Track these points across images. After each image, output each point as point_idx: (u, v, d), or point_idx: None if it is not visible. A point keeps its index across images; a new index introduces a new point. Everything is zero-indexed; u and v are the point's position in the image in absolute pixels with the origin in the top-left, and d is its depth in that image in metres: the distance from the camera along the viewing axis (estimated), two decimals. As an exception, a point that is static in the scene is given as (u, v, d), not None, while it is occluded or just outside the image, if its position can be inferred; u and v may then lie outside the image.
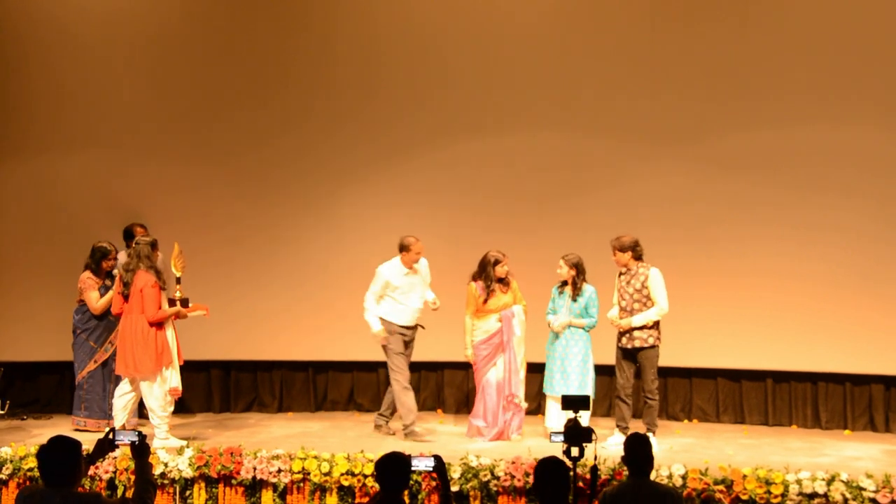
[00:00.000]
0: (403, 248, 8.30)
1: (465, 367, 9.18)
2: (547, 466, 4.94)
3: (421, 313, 8.40)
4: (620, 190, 9.02)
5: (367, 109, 9.41)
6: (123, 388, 7.88)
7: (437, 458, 5.13)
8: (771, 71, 8.76)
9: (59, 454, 4.59)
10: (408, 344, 8.40)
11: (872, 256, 8.57)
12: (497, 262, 8.14)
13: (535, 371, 8.62)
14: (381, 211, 9.37)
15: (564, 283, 8.10)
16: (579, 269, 7.99)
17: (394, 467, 4.93)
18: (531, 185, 9.18)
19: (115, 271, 8.46)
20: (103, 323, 8.54)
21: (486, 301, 8.15)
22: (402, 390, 8.21)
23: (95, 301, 8.47)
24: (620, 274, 7.98)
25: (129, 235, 8.82)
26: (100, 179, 9.44)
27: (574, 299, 8.01)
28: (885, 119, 8.58)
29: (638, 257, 7.90)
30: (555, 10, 9.23)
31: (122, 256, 8.69)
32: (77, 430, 8.49)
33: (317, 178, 9.45)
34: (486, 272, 8.15)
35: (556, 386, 7.97)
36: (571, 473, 5.05)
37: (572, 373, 7.95)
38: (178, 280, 7.94)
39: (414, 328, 8.39)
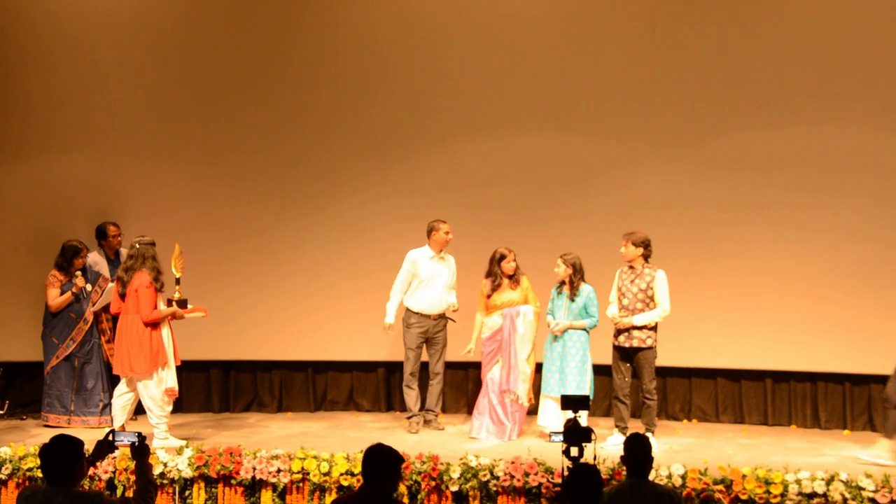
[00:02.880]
0: (431, 230, 8.42)
1: (465, 368, 9.20)
2: (581, 474, 4.90)
3: (448, 305, 8.47)
4: (621, 191, 9.02)
5: (366, 110, 9.41)
6: (121, 388, 7.89)
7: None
8: (772, 73, 8.76)
9: (62, 453, 4.61)
10: (431, 337, 8.46)
11: (872, 257, 8.58)
12: (502, 258, 8.16)
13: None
14: (381, 211, 9.37)
15: (563, 284, 8.10)
16: (576, 268, 8.00)
17: (378, 460, 4.69)
18: (531, 187, 9.18)
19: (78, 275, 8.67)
20: (64, 319, 8.66)
21: (489, 296, 8.18)
22: (403, 386, 8.50)
23: (53, 298, 8.64)
24: (622, 272, 7.99)
25: (101, 234, 8.93)
26: (99, 179, 9.43)
27: (572, 299, 8.02)
28: (885, 120, 8.57)
29: (646, 257, 7.91)
30: (555, 12, 9.22)
31: (94, 256, 8.85)
32: (44, 426, 8.55)
33: (316, 178, 9.45)
34: (491, 268, 8.19)
35: (554, 386, 7.98)
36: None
37: (570, 374, 7.95)
38: (178, 281, 7.94)
39: (438, 319, 8.43)
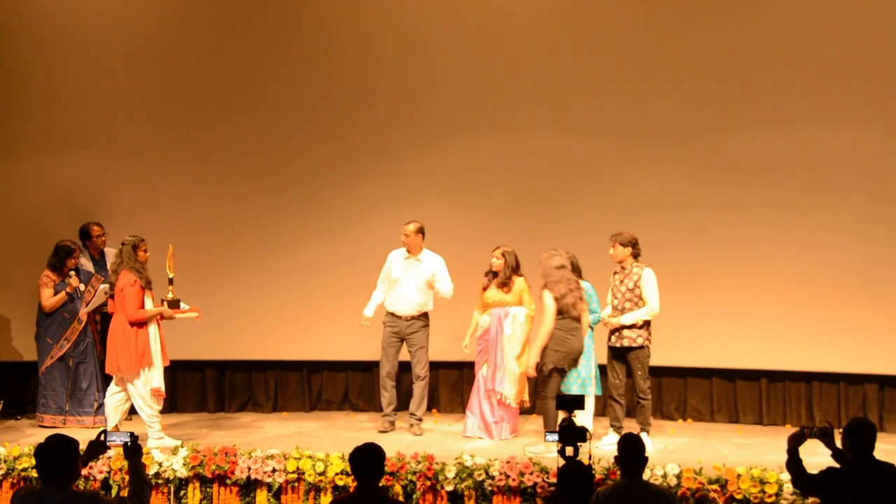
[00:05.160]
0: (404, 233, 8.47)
1: (460, 367, 9.20)
2: (572, 471, 4.91)
3: (421, 307, 8.44)
4: (615, 192, 9.01)
5: (361, 111, 9.40)
6: (113, 388, 7.88)
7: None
8: (767, 72, 8.76)
9: (58, 452, 4.59)
10: (407, 338, 8.45)
11: (867, 257, 8.58)
12: (494, 254, 8.20)
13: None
14: (376, 212, 9.36)
15: None
16: (572, 267, 8.00)
17: (364, 458, 4.92)
18: (526, 188, 9.17)
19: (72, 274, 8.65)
20: (58, 320, 8.65)
21: (483, 290, 8.25)
22: (379, 385, 8.57)
23: (46, 298, 8.63)
24: (615, 273, 8.00)
25: (84, 234, 8.92)
26: (93, 179, 9.42)
27: None
28: (880, 120, 8.57)
29: (635, 256, 7.91)
30: (549, 12, 9.22)
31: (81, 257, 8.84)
32: (39, 426, 8.54)
33: (311, 178, 9.44)
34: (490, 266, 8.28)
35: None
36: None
37: (572, 371, 7.94)
38: (171, 281, 7.92)
39: (411, 320, 8.41)
